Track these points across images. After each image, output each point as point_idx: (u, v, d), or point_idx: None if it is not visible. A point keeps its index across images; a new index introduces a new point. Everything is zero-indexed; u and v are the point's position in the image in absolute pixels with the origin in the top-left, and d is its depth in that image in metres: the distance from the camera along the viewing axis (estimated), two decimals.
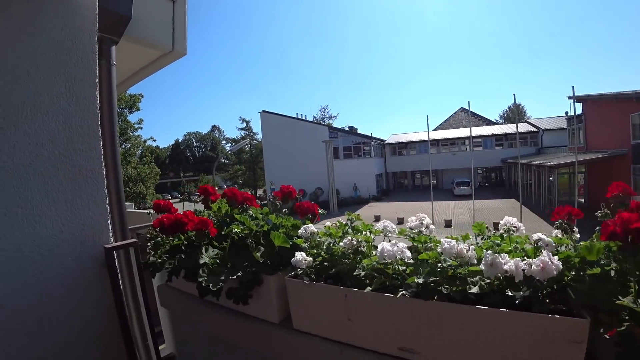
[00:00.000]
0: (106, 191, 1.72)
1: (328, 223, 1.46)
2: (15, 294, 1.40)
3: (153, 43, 2.28)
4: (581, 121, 22.19)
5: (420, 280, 0.91)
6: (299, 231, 1.38)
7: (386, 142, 38.71)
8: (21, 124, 1.42)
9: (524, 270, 0.86)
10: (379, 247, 1.02)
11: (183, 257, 1.36)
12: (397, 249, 0.99)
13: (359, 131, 36.55)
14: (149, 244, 1.58)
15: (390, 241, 1.22)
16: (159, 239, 1.62)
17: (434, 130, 32.24)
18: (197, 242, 1.33)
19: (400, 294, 0.94)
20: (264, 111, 31.62)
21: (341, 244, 1.22)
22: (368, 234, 1.28)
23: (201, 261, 1.26)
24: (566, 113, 35.13)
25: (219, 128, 64.95)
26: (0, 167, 1.37)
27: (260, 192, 45.33)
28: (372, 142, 34.43)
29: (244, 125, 42.36)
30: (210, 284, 1.20)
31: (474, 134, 31.54)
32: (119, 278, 1.69)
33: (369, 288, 1.03)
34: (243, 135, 42.64)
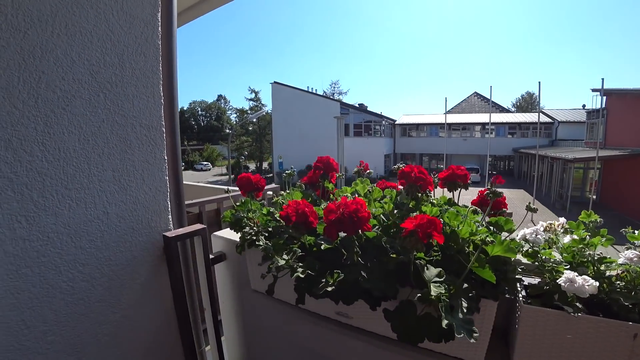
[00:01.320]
0: (166, 157, 1.23)
1: None
2: (45, 301, 0.94)
3: None
4: (603, 115, 21.20)
5: None
6: (524, 233, 0.89)
7: (397, 122, 37.60)
8: (51, 45, 0.91)
9: None
10: None
11: (366, 276, 0.83)
12: None
13: (369, 109, 35.41)
14: (254, 237, 1.07)
15: None
16: (277, 237, 1.06)
17: (445, 113, 31.18)
18: (404, 254, 0.81)
19: None
20: (275, 82, 30.41)
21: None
22: None
23: (433, 292, 0.73)
24: (583, 106, 34.01)
25: (225, 98, 63.36)
26: (20, 110, 0.87)
27: (265, 164, 44.72)
28: (383, 122, 33.42)
29: (253, 95, 41.10)
30: (465, 332, 0.68)
31: (486, 120, 30.64)
32: (182, 276, 1.23)
33: None
34: (252, 105, 41.47)
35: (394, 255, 0.89)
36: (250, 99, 41.48)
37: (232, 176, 23.46)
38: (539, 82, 28.07)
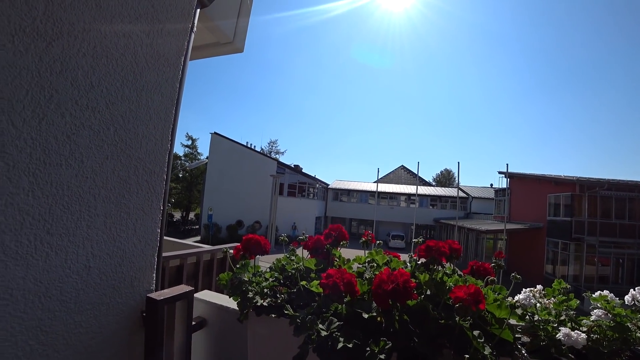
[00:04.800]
0: (162, 208, 1.08)
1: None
2: None
3: (219, 27, 1.75)
4: (507, 194, 24.81)
5: None
6: (519, 298, 0.93)
7: (329, 186, 39.13)
8: (73, 63, 0.80)
9: None
10: None
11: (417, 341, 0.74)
12: None
13: (303, 170, 36.42)
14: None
15: None
16: (304, 305, 0.93)
17: (373, 182, 33.52)
18: (450, 319, 0.72)
19: None
20: (215, 133, 30.10)
21: None
22: None
23: (486, 351, 0.69)
24: (491, 185, 39.53)
25: None
26: (18, 129, 0.71)
27: (191, 215, 41.91)
28: (317, 184, 34.44)
29: (190, 142, 39.96)
30: None
31: (412, 192, 33.64)
32: (163, 348, 1.01)
33: None
34: (186, 152, 40.06)
35: (443, 321, 0.87)
36: (187, 146, 40.13)
37: None
38: (458, 163, 32.08)
